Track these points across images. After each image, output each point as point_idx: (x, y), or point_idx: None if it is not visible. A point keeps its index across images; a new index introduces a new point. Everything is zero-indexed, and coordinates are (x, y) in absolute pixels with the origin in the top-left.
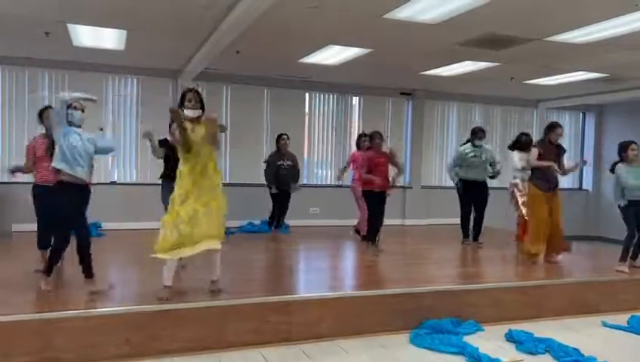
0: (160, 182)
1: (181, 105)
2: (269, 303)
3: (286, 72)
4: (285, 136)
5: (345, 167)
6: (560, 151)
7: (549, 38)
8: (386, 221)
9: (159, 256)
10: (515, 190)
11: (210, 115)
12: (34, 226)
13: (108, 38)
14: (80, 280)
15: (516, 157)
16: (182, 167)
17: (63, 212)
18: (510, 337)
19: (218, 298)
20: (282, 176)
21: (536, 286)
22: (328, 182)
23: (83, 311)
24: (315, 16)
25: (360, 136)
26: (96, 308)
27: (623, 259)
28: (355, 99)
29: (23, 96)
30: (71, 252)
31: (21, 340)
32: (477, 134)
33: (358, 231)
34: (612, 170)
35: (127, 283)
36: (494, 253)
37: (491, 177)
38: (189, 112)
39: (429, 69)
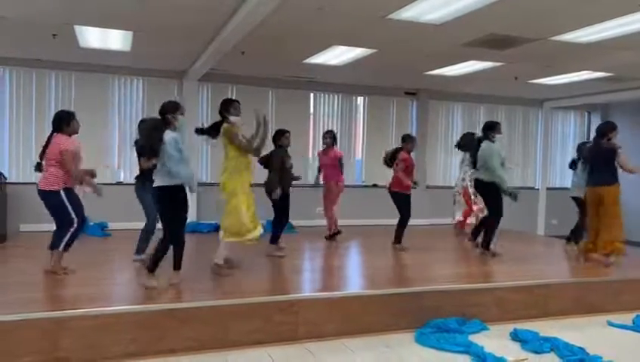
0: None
1: (227, 111)
2: (274, 302)
3: (291, 72)
4: (288, 134)
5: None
6: None
7: (554, 38)
8: (391, 221)
9: (234, 239)
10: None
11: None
12: (41, 226)
13: (114, 40)
14: (86, 281)
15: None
16: (239, 164)
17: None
18: (515, 336)
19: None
20: (289, 176)
21: (542, 286)
22: None
23: (90, 311)
24: (319, 17)
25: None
26: (106, 307)
27: None
28: (360, 100)
29: (30, 97)
30: (77, 252)
31: (29, 339)
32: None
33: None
34: None
35: (133, 283)
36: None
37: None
38: (237, 119)
39: (434, 69)
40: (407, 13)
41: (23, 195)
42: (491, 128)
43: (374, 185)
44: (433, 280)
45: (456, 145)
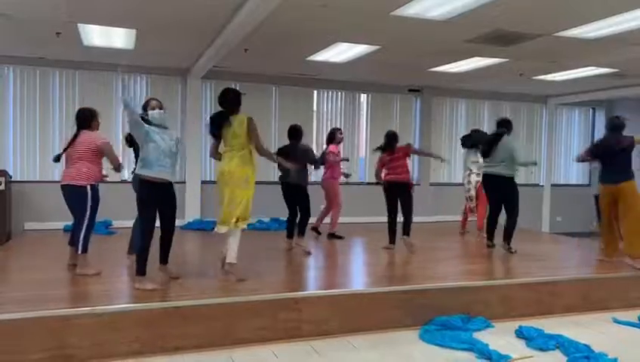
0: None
1: (239, 103)
2: (278, 300)
3: (294, 69)
4: (298, 126)
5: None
6: None
7: (558, 34)
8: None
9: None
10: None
11: None
12: (46, 225)
13: (118, 38)
14: (91, 278)
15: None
16: (249, 154)
17: (143, 207)
18: (520, 333)
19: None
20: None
21: (547, 283)
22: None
23: (95, 308)
24: (323, 13)
25: (336, 131)
26: (111, 305)
27: None
28: (363, 97)
29: (34, 95)
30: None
31: (36, 337)
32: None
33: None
34: None
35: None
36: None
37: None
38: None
39: (438, 66)
40: (411, 10)
41: (27, 194)
42: (510, 123)
43: (378, 183)
44: (438, 278)
45: (472, 145)
